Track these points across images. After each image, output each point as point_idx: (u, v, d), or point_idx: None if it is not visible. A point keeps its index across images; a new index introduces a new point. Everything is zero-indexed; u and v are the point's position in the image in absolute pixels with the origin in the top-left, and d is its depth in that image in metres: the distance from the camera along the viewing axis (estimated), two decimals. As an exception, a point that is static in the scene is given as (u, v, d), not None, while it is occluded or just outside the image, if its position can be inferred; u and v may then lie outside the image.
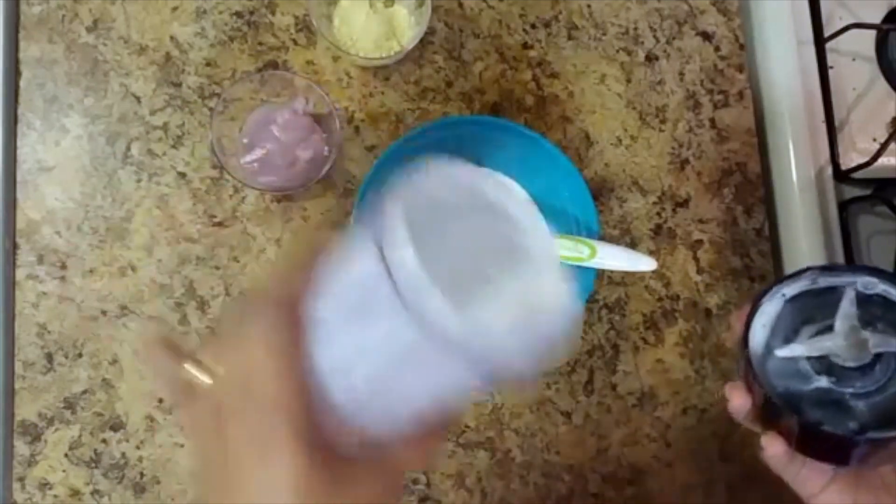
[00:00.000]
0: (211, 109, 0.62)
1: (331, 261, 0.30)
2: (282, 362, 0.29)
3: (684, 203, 0.66)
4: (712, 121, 0.67)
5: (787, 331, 0.41)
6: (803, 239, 0.64)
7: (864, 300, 0.41)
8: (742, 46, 0.68)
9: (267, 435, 0.28)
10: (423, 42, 0.64)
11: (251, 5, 0.63)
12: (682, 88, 0.67)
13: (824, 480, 0.41)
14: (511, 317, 0.30)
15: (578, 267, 0.56)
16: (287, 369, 0.29)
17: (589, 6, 0.67)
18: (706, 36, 0.68)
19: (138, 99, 0.62)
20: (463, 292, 0.28)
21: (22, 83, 0.61)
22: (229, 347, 0.30)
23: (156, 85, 0.62)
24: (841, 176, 0.65)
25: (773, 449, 0.41)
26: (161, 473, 0.58)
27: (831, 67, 0.67)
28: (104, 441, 0.58)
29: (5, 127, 0.60)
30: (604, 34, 0.67)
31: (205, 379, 0.30)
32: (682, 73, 0.67)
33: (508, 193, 0.31)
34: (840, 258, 0.65)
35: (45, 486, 0.58)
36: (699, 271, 0.65)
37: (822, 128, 0.66)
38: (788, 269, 0.65)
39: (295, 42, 0.63)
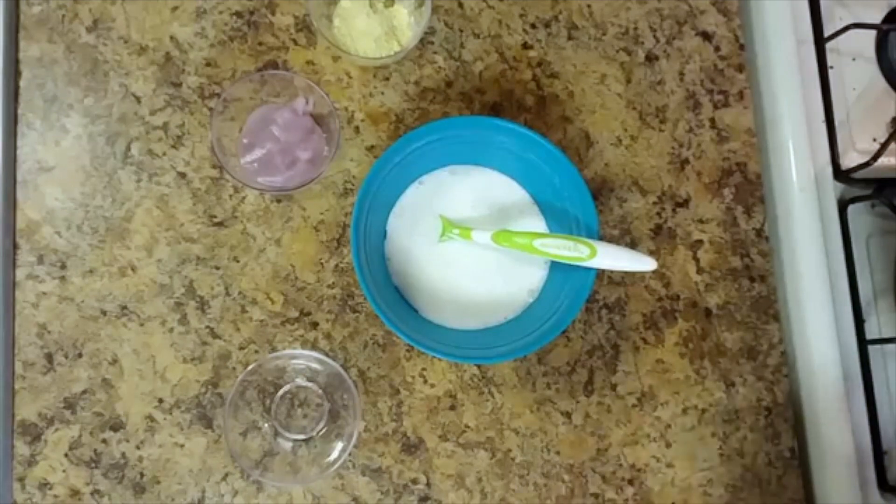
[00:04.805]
0: (211, 109, 0.62)
1: None
2: None
3: (684, 203, 0.66)
4: (712, 121, 0.67)
5: None
6: (803, 239, 0.64)
7: None
8: (742, 46, 0.68)
9: None
10: (423, 42, 0.64)
11: (251, 5, 0.63)
12: (682, 88, 0.67)
13: None
14: None
15: (578, 267, 0.56)
16: None
17: (589, 6, 0.67)
18: (706, 36, 0.68)
19: (138, 99, 0.62)
20: None
21: (22, 83, 0.61)
22: None
23: (156, 85, 0.62)
24: (841, 176, 0.65)
25: None
26: (161, 473, 0.58)
27: (831, 67, 0.67)
28: (104, 441, 0.58)
29: (5, 127, 0.60)
30: (604, 34, 0.67)
31: None
32: (682, 73, 0.67)
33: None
34: (840, 258, 0.65)
35: (45, 486, 0.58)
36: (699, 271, 0.65)
37: (822, 128, 0.66)
38: (788, 269, 0.65)
39: (295, 42, 0.63)
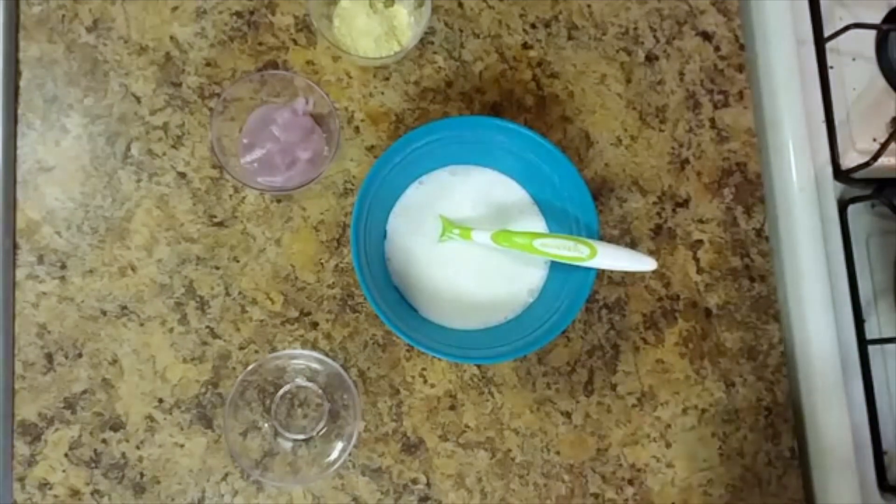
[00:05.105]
0: (211, 109, 0.62)
1: None
2: None
3: (684, 203, 0.66)
4: (712, 121, 0.67)
5: None
6: (803, 239, 0.64)
7: None
8: (742, 46, 0.68)
9: None
10: (423, 42, 0.64)
11: (251, 5, 0.63)
12: (682, 88, 0.67)
13: None
14: None
15: (578, 267, 0.56)
16: None
17: (589, 6, 0.67)
18: (706, 36, 0.68)
19: (138, 99, 0.62)
20: None
21: (22, 83, 0.61)
22: None
23: (156, 85, 0.62)
24: (841, 176, 0.65)
25: None
26: (161, 473, 0.58)
27: (831, 67, 0.67)
28: (104, 441, 0.58)
29: (5, 127, 0.60)
30: (604, 34, 0.67)
31: None
32: (682, 73, 0.67)
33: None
34: (840, 258, 0.65)
35: (45, 486, 0.58)
36: (699, 271, 0.65)
37: (822, 128, 0.66)
38: (788, 269, 0.65)
39: (295, 42, 0.63)
